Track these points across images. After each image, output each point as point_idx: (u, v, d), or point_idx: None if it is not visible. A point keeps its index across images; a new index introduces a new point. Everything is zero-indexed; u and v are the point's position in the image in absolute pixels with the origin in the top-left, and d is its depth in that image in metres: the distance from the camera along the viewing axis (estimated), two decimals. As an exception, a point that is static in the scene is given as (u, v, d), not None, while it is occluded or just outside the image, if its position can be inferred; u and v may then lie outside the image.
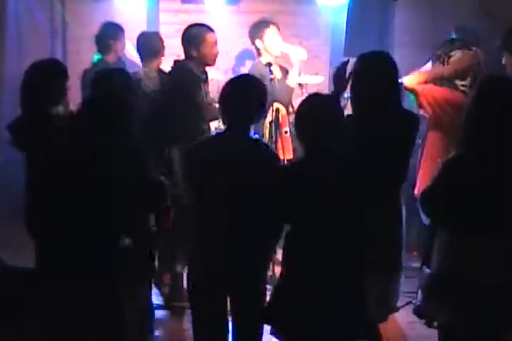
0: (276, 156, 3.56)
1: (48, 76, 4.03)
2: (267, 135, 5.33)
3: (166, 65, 6.60)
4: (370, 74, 3.71)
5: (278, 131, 5.21)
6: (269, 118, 5.27)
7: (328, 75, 6.93)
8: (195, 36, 4.89)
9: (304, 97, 3.60)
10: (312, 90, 5.66)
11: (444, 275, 3.16)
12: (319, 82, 6.12)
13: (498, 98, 3.11)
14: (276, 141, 5.19)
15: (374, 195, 3.39)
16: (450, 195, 3.08)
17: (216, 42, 4.96)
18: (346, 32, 5.65)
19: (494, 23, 6.06)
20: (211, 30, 4.95)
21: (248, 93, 3.39)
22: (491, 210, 3.05)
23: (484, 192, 3.04)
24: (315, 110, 3.34)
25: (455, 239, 3.13)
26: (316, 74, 6.57)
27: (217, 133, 3.46)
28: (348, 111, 3.78)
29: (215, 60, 5.00)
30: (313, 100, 3.43)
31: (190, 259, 3.55)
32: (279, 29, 5.56)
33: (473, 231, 3.07)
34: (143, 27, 6.90)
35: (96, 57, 5.82)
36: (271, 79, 5.28)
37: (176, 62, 5.04)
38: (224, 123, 3.49)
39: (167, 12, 6.94)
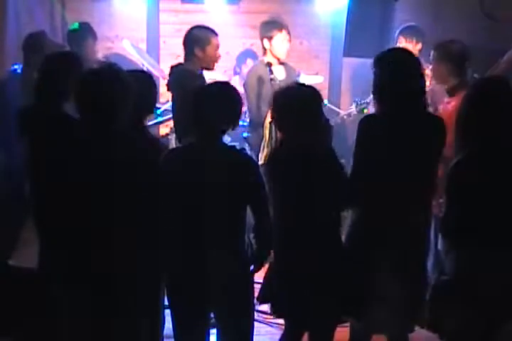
0: (253, 161, 3.45)
1: (63, 70, 3.99)
2: (267, 135, 5.32)
3: (166, 65, 6.63)
4: (404, 69, 3.50)
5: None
6: (269, 118, 5.26)
7: (328, 75, 6.95)
8: (201, 37, 4.90)
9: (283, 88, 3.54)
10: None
11: (455, 282, 3.16)
12: (319, 82, 6.12)
13: (495, 98, 3.12)
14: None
15: (408, 196, 3.39)
16: (460, 212, 3.09)
17: (219, 46, 4.97)
18: (346, 32, 5.63)
19: (494, 23, 6.06)
20: (216, 33, 4.97)
21: (221, 101, 3.29)
22: (496, 218, 3.07)
23: (489, 199, 3.06)
24: (292, 102, 3.36)
25: (465, 249, 3.13)
26: (316, 74, 6.58)
27: (191, 143, 3.35)
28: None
29: (214, 64, 5.02)
30: (291, 91, 3.44)
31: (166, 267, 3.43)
32: (289, 33, 5.54)
33: (482, 241, 3.08)
34: (143, 27, 6.92)
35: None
36: (271, 79, 5.28)
37: (172, 67, 5.03)
38: (196, 130, 3.35)
39: (167, 12, 6.94)
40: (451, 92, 4.53)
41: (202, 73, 4.98)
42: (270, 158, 3.53)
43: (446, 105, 4.52)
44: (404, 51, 3.75)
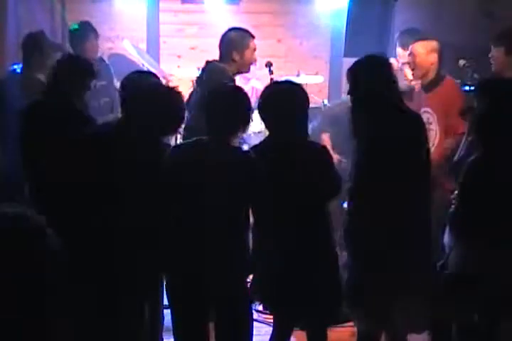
0: (257, 161, 3.42)
1: (78, 69, 4.09)
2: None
3: (166, 65, 6.63)
4: (368, 73, 3.63)
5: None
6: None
7: (328, 75, 6.95)
8: (239, 41, 4.80)
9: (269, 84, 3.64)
10: (312, 90, 5.68)
11: (458, 280, 3.16)
12: (319, 82, 6.12)
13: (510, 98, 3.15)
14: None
15: (405, 194, 3.41)
16: (473, 210, 3.10)
17: (256, 49, 4.88)
18: (346, 32, 5.63)
19: (494, 23, 6.06)
20: (253, 36, 4.88)
21: (235, 104, 3.35)
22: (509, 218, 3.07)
23: (504, 199, 3.07)
24: (276, 98, 3.45)
25: (475, 243, 3.13)
26: (316, 74, 6.58)
27: (200, 139, 3.38)
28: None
29: (250, 67, 4.94)
30: (277, 87, 3.54)
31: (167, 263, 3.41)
32: None
33: (493, 240, 3.08)
34: (143, 27, 6.91)
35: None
36: (271, 80, 5.28)
37: (208, 62, 4.94)
38: (207, 130, 3.38)
39: (167, 12, 6.93)
40: (428, 88, 4.69)
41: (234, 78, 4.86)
42: (255, 151, 3.55)
43: (427, 99, 4.66)
44: (375, 58, 3.78)
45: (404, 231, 3.42)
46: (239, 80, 6.64)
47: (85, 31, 5.81)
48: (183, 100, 3.53)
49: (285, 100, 3.46)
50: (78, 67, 4.12)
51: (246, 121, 3.39)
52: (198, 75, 4.92)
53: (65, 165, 3.22)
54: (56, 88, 4.06)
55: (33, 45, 5.04)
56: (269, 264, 3.45)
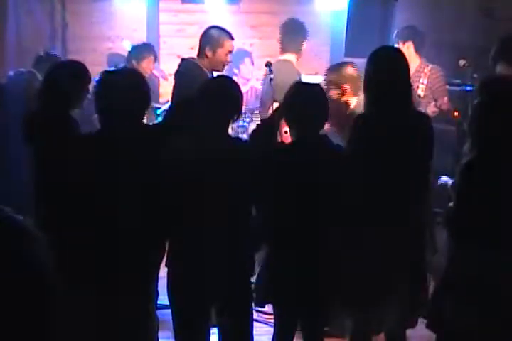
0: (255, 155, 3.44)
1: (73, 78, 3.95)
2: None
3: (166, 65, 6.64)
4: (393, 69, 3.56)
5: (278, 131, 5.21)
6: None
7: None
8: (215, 38, 4.87)
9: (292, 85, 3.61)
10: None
11: (459, 282, 3.16)
12: (319, 82, 6.11)
13: (508, 99, 3.14)
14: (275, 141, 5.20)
15: (405, 196, 3.40)
16: (473, 208, 3.10)
17: (231, 51, 4.95)
18: (346, 32, 5.63)
19: (494, 23, 6.07)
20: (232, 38, 4.93)
21: (229, 93, 3.37)
22: (506, 220, 3.07)
23: (499, 201, 3.07)
24: (304, 98, 3.45)
25: (472, 250, 3.13)
26: (316, 74, 6.58)
27: (196, 132, 3.38)
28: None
29: (224, 66, 4.99)
30: (302, 88, 3.54)
31: (169, 264, 3.38)
32: None
33: (491, 242, 3.08)
34: (143, 27, 6.92)
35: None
36: (271, 79, 5.28)
37: (183, 59, 5.02)
38: (202, 121, 3.38)
39: (167, 12, 6.95)
40: None
41: (211, 72, 4.94)
42: (281, 150, 3.53)
43: None
44: (394, 50, 3.79)
45: (400, 231, 3.42)
46: (238, 80, 6.68)
47: (147, 51, 5.82)
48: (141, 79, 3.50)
49: (316, 101, 3.47)
50: (76, 71, 3.98)
51: (239, 108, 3.41)
52: (175, 72, 4.99)
53: (64, 165, 3.22)
54: (53, 94, 3.93)
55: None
56: (276, 263, 3.46)
